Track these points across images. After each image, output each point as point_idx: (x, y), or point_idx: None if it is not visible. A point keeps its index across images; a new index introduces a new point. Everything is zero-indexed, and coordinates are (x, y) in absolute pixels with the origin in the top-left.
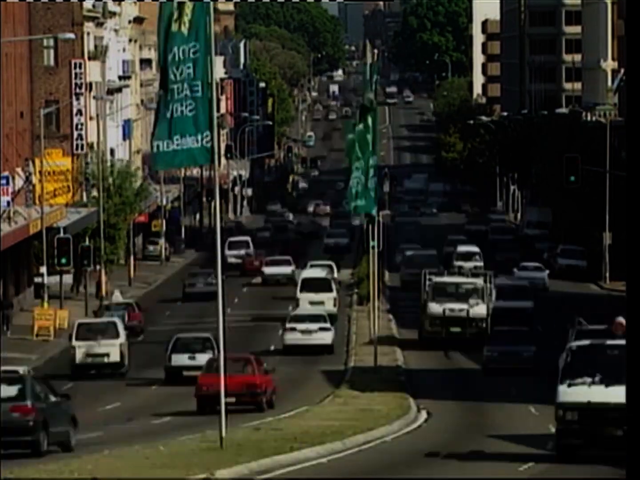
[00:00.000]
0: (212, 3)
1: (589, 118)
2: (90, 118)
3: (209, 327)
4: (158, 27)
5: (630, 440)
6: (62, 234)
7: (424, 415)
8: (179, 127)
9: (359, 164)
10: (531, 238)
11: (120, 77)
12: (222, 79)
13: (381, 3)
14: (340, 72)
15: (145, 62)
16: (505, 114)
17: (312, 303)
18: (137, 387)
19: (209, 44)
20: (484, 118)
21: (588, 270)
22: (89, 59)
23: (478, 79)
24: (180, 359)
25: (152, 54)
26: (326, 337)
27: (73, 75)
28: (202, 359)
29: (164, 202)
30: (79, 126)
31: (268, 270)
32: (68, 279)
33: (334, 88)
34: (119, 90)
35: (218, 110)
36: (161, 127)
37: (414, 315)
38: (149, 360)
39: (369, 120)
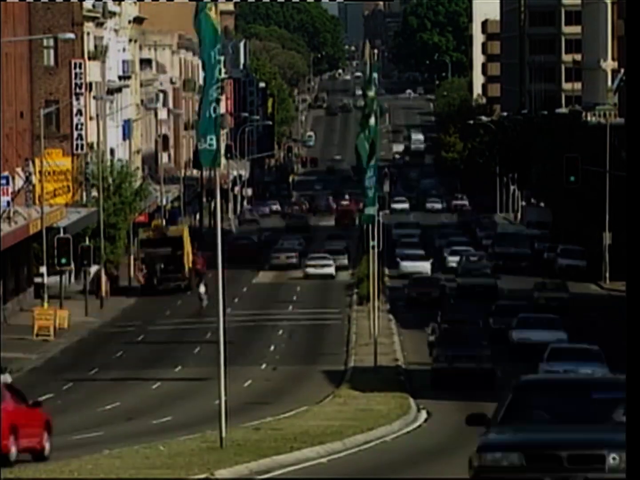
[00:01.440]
0: (216, 3)
1: (589, 118)
2: (90, 118)
3: (210, 327)
4: (204, 25)
5: (630, 440)
6: (62, 234)
7: (424, 415)
8: (218, 126)
9: (369, 164)
10: (531, 238)
11: (120, 77)
12: (222, 79)
13: (381, 3)
14: (340, 71)
15: (145, 62)
16: (505, 114)
17: None
18: (137, 387)
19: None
20: (484, 118)
21: (588, 270)
22: (89, 59)
23: (478, 79)
24: None
25: (152, 54)
26: None
27: (73, 75)
28: None
29: (164, 202)
30: (79, 126)
31: None
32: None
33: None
34: (119, 90)
35: None
36: (209, 125)
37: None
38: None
39: (371, 120)
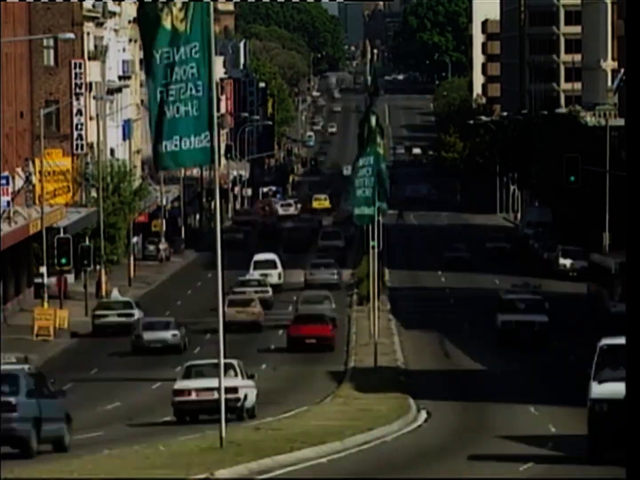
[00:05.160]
0: (212, 3)
1: (588, 118)
2: (90, 118)
3: (210, 327)
4: (146, 24)
5: (630, 441)
6: (62, 234)
7: (424, 415)
8: (181, 127)
9: (366, 161)
10: (531, 238)
11: (120, 77)
12: (222, 79)
13: (381, 3)
14: (338, 74)
15: None
16: (505, 114)
17: None
18: (137, 387)
19: (210, 44)
20: (484, 118)
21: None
22: (89, 59)
23: (478, 79)
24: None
25: None
26: None
27: (73, 75)
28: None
29: (164, 202)
30: (79, 126)
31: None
32: (69, 278)
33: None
34: (119, 90)
35: (218, 110)
36: (166, 127)
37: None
38: None
39: (372, 120)
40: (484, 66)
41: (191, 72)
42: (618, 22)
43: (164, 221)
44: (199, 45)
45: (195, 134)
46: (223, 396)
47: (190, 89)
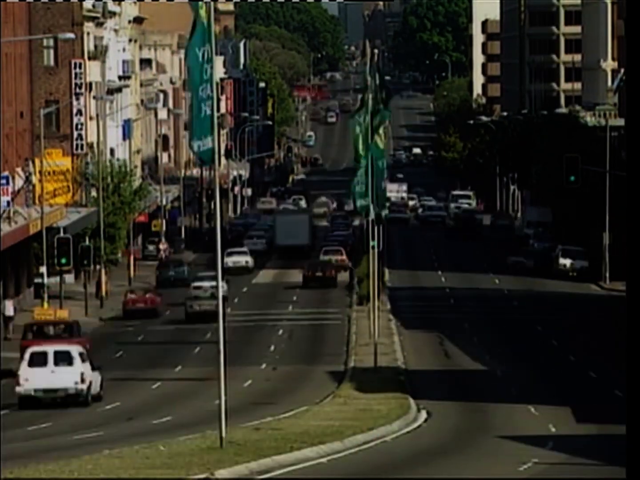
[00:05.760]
0: (212, 3)
1: (588, 118)
2: (90, 118)
3: (210, 327)
4: (199, 25)
5: (630, 441)
6: (62, 234)
7: (424, 415)
8: (206, 126)
9: (363, 161)
10: (531, 238)
11: (120, 77)
12: (222, 79)
13: (381, 3)
14: (337, 74)
15: (145, 62)
16: (505, 114)
17: None
18: (137, 387)
19: (212, 44)
20: (484, 118)
21: (590, 271)
22: (89, 59)
23: (478, 79)
24: None
25: (152, 54)
26: None
27: (73, 75)
28: None
29: (164, 202)
30: (79, 126)
31: None
32: (69, 278)
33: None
34: (119, 90)
35: (218, 110)
36: (197, 126)
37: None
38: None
39: (375, 119)
40: (484, 66)
41: (209, 72)
42: (618, 22)
43: (164, 221)
44: (210, 46)
45: (210, 134)
46: (223, 397)
47: (208, 89)
